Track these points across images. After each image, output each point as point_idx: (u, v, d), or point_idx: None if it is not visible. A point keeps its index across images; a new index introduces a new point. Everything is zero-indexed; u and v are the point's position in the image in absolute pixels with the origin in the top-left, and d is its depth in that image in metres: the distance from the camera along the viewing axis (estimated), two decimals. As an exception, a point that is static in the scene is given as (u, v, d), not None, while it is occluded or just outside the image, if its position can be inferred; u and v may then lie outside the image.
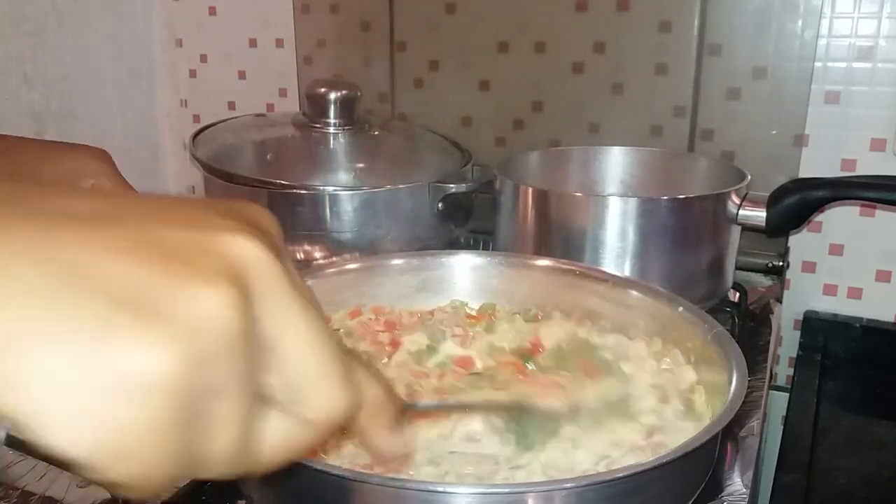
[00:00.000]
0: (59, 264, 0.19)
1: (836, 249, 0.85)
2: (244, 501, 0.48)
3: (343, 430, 0.27)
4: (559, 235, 0.69)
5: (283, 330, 0.22)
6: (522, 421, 0.45)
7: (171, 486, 0.21)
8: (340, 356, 0.24)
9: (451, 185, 0.79)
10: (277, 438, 0.23)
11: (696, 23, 0.83)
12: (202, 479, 0.25)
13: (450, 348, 0.56)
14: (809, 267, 0.86)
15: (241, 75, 1.09)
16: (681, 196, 0.68)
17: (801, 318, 0.86)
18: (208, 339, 0.20)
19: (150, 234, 0.20)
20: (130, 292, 0.19)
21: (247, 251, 0.22)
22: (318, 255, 0.77)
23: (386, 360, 0.55)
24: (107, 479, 0.20)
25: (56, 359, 0.18)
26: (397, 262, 0.63)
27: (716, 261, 0.71)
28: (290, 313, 0.22)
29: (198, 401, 0.20)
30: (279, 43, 1.05)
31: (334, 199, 0.75)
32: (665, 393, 0.50)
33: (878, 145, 0.80)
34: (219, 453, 0.21)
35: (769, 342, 0.72)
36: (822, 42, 0.79)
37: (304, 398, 0.23)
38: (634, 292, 0.57)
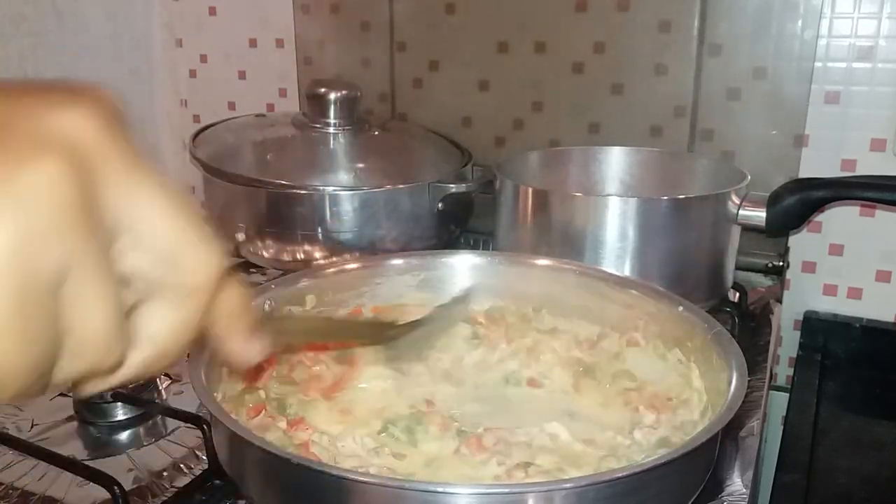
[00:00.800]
0: None
1: (836, 249, 0.85)
2: (244, 501, 0.48)
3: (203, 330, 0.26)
4: (559, 235, 0.69)
5: (140, 205, 0.22)
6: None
7: (45, 389, 0.21)
8: (200, 221, 0.24)
9: (451, 185, 0.79)
10: (164, 325, 0.24)
11: (696, 23, 0.83)
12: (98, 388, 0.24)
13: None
14: (809, 267, 0.86)
15: (242, 75, 1.09)
16: (681, 196, 0.68)
17: (801, 318, 0.86)
18: (39, 209, 0.19)
19: None
20: None
21: (83, 125, 0.21)
22: (318, 255, 0.77)
23: None
24: None
25: None
26: (397, 262, 0.63)
27: (716, 261, 0.71)
28: (143, 189, 0.22)
29: (45, 281, 0.19)
30: (279, 43, 1.05)
31: (334, 199, 0.75)
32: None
33: (877, 145, 0.80)
34: (90, 339, 0.21)
35: (769, 342, 0.72)
36: (822, 42, 0.80)
37: (177, 266, 0.23)
38: (634, 292, 0.57)
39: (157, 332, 0.24)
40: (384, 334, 0.48)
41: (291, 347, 0.52)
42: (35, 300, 0.19)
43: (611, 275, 0.60)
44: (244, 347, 0.29)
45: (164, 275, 0.23)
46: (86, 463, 0.51)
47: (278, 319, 0.48)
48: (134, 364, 0.24)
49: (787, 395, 0.75)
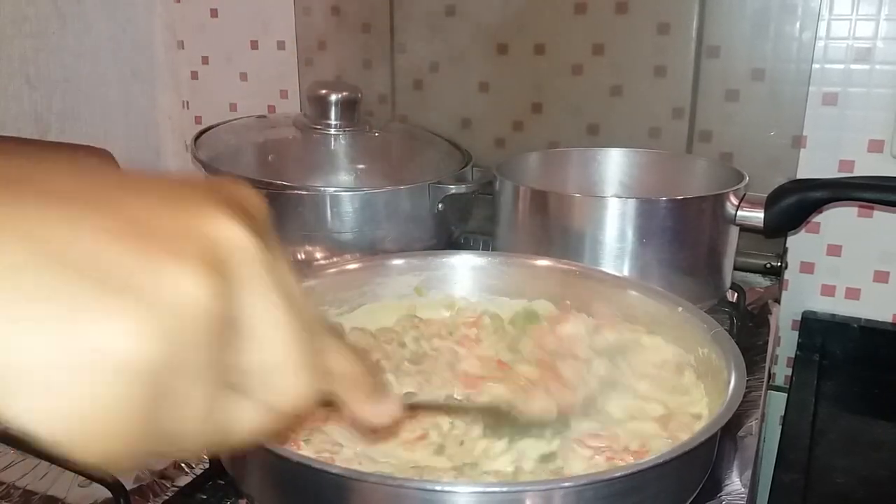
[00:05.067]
0: (38, 242, 0.19)
1: (835, 250, 0.85)
2: (244, 501, 0.49)
3: (326, 404, 0.27)
4: (558, 236, 0.69)
5: (260, 316, 0.22)
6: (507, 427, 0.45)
7: (141, 464, 0.22)
8: (309, 342, 0.24)
9: (451, 186, 0.79)
10: (244, 421, 0.24)
11: (695, 25, 0.83)
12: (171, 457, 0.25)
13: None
14: (808, 267, 0.86)
15: (243, 77, 1.09)
16: (679, 197, 0.68)
17: (799, 318, 0.86)
18: (184, 320, 0.20)
19: (133, 214, 0.20)
20: (107, 271, 0.19)
21: (230, 234, 0.21)
22: (318, 255, 0.77)
23: None
24: (80, 458, 0.20)
25: (27, 336, 0.18)
26: (397, 262, 0.63)
27: (714, 261, 0.71)
28: (267, 301, 0.23)
29: (168, 380, 0.20)
30: (280, 45, 1.05)
31: (335, 199, 0.76)
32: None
33: (875, 146, 0.80)
34: (185, 432, 0.21)
35: (767, 342, 0.72)
36: (820, 44, 0.80)
37: (270, 384, 0.23)
38: (634, 292, 0.57)
39: (233, 423, 0.24)
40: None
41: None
42: (155, 399, 0.20)
43: (610, 275, 0.60)
44: (371, 411, 0.29)
45: (255, 382, 0.23)
46: (88, 462, 0.51)
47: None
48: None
49: (786, 395, 0.75)
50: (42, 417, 0.19)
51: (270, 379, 0.23)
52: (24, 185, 0.20)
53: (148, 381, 0.19)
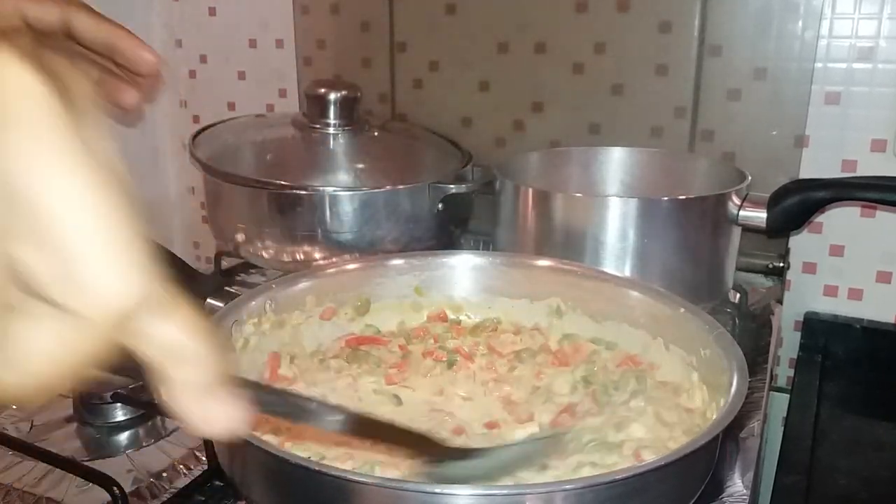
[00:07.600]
0: None
1: (837, 250, 0.84)
2: (243, 503, 0.48)
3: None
4: (559, 236, 0.69)
5: (49, 182, 0.17)
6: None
7: None
8: (129, 234, 0.18)
9: (451, 186, 0.79)
10: (38, 344, 0.18)
11: (697, 23, 0.83)
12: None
13: None
14: (810, 268, 0.86)
15: (241, 76, 1.09)
16: (681, 197, 0.68)
17: (801, 319, 0.86)
18: None
19: None
20: None
21: (8, 70, 0.17)
22: (318, 255, 0.77)
23: None
24: None
25: None
26: (397, 262, 0.63)
27: (716, 262, 0.71)
28: (61, 164, 0.17)
29: None
30: (279, 43, 1.05)
31: (334, 199, 0.75)
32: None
33: (878, 146, 0.80)
34: None
35: (770, 343, 0.72)
36: (823, 43, 0.79)
37: (74, 282, 0.18)
38: (635, 293, 0.57)
39: (31, 354, 0.18)
40: (428, 451, 0.39)
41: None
42: None
43: (611, 275, 0.60)
44: (203, 411, 0.21)
45: (56, 287, 0.18)
46: (85, 464, 0.51)
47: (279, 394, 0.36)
48: None
49: (788, 396, 0.75)
50: None
51: (71, 274, 0.17)
52: None
53: None
